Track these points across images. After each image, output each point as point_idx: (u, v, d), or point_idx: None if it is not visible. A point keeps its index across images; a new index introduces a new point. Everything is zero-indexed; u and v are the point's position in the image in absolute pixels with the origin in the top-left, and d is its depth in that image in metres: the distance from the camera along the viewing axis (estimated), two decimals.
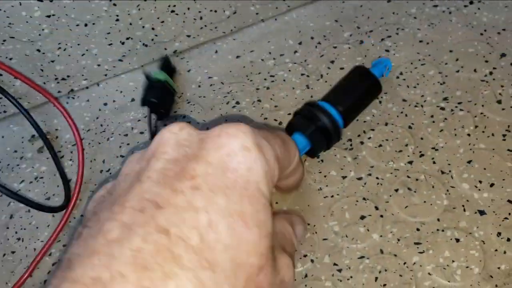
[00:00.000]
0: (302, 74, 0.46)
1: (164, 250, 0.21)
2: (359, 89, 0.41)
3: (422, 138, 0.40)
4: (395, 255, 0.34)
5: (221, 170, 0.24)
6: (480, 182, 0.37)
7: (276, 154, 0.27)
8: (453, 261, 0.33)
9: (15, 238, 0.40)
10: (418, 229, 0.35)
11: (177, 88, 0.47)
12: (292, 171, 0.31)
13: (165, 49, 0.49)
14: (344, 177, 0.39)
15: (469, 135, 0.39)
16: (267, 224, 0.24)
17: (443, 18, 0.47)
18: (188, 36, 0.49)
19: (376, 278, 0.34)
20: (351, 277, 0.34)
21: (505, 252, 0.33)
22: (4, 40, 0.43)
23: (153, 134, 0.43)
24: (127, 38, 0.47)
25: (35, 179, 0.44)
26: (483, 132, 0.39)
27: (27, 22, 0.42)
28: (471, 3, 0.47)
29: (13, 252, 0.40)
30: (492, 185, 0.36)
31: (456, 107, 0.41)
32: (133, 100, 0.47)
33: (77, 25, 0.44)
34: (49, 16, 0.43)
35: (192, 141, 0.26)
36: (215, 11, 0.48)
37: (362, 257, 0.35)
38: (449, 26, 0.46)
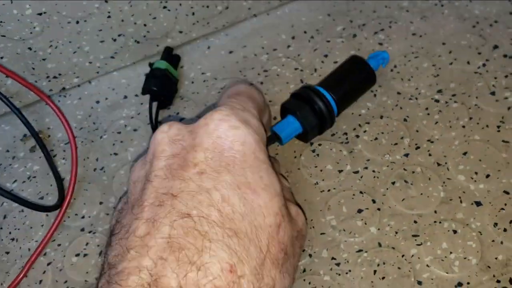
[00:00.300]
0: (296, 69, 0.45)
1: (192, 231, 0.23)
2: (355, 78, 0.41)
3: (417, 131, 0.40)
4: (393, 248, 0.34)
5: (218, 152, 0.27)
6: (476, 173, 0.37)
7: (255, 116, 0.30)
8: (450, 252, 0.33)
9: (9, 239, 0.40)
10: (415, 222, 0.35)
11: (179, 76, 0.47)
12: (262, 113, 0.33)
13: (157, 45, 0.49)
14: (340, 171, 0.38)
15: (464, 127, 0.39)
16: (274, 185, 0.27)
17: (435, 11, 0.47)
18: (180, 32, 0.48)
19: (375, 271, 0.34)
20: (350, 270, 0.34)
21: (502, 243, 0.33)
22: None
23: (155, 121, 0.43)
24: (119, 35, 0.46)
25: (28, 179, 0.44)
26: (478, 123, 0.39)
27: (18, 20, 0.42)
28: None
29: (7, 253, 0.39)
30: (487, 176, 0.36)
31: (451, 99, 0.41)
32: (125, 97, 0.47)
33: (69, 22, 0.44)
34: (40, 14, 0.42)
35: (183, 134, 0.28)
36: (207, 7, 0.48)
37: (360, 250, 0.35)
38: (441, 18, 0.46)
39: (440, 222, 0.35)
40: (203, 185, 0.25)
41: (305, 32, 0.48)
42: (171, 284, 0.22)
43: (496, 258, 0.33)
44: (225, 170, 0.26)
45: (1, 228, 0.41)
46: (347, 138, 0.40)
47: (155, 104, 0.44)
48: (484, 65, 0.42)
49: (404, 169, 0.38)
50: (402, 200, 0.36)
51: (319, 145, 0.40)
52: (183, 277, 0.22)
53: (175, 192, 0.25)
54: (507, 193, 0.36)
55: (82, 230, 0.39)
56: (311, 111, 0.38)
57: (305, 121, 0.38)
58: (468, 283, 0.32)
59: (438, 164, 0.38)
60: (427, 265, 0.33)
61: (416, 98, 0.42)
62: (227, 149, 0.27)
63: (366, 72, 0.41)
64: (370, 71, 0.41)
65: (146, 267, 0.22)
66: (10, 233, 0.40)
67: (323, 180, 0.38)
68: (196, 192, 0.25)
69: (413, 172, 0.37)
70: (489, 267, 0.33)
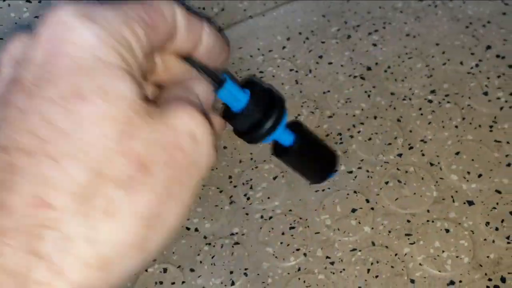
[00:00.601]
0: (291, 70, 0.46)
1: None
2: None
3: (410, 131, 0.40)
4: (387, 247, 0.35)
5: (47, 63, 0.22)
6: (468, 173, 0.37)
7: (125, 17, 0.23)
8: (443, 251, 0.34)
9: None
10: (408, 221, 0.36)
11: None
12: (188, 32, 0.25)
13: None
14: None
15: (456, 127, 0.40)
16: (120, 87, 0.21)
17: (429, 12, 0.47)
18: None
19: (369, 270, 0.34)
20: (344, 269, 0.34)
21: (493, 241, 0.34)
22: None
23: None
24: None
25: None
26: (470, 123, 0.40)
27: (15, 23, 0.42)
28: None
29: None
30: (480, 175, 0.37)
31: (444, 99, 0.42)
32: None
33: None
34: (37, 17, 0.43)
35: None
36: (203, 8, 0.48)
37: (354, 249, 0.35)
38: (435, 19, 0.47)
39: (432, 221, 0.35)
40: (21, 108, 0.21)
41: (300, 33, 0.48)
42: None
43: (488, 257, 0.33)
44: (49, 82, 0.21)
45: None
46: (341, 139, 0.41)
47: None
48: (477, 65, 0.43)
49: (398, 169, 0.38)
50: (396, 199, 0.37)
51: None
52: None
53: None
54: (499, 192, 0.36)
55: None
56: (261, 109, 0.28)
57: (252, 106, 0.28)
58: (460, 281, 0.33)
59: (431, 164, 0.38)
60: (420, 264, 0.34)
61: (410, 99, 0.42)
62: (61, 56, 0.22)
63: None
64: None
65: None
66: None
67: None
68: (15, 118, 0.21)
69: (406, 172, 0.38)
70: (481, 265, 0.33)
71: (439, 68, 0.43)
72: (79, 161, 0.21)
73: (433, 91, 0.42)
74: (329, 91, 0.44)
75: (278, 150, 0.32)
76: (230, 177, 0.40)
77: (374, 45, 0.46)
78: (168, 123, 0.23)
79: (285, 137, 0.30)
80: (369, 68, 0.44)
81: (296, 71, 0.46)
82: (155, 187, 0.22)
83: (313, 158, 0.33)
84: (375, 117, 0.41)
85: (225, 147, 0.42)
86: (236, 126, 0.29)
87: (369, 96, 0.43)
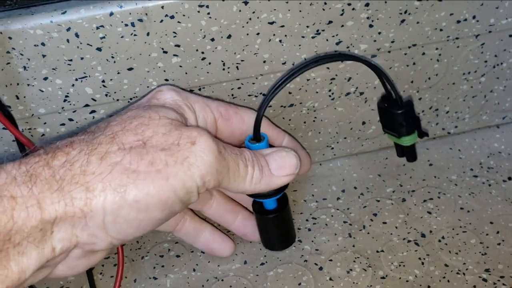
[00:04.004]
0: (345, 222, 0.46)
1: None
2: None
3: None
4: None
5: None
6: None
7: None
8: None
9: None
10: None
11: None
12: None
13: None
14: None
15: None
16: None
17: (483, 189, 0.49)
18: None
19: None
20: None
21: None
22: None
23: None
24: None
25: None
26: None
27: None
28: (509, 178, 0.49)
29: None
30: None
31: (499, 280, 0.41)
32: None
33: None
34: None
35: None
36: None
37: None
38: (489, 197, 0.48)
39: None
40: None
41: (355, 187, 0.50)
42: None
43: None
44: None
45: None
46: None
47: None
48: None
49: None
50: None
51: None
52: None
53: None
54: None
55: None
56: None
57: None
58: None
59: None
60: None
61: (464, 274, 0.42)
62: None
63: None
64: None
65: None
66: None
67: None
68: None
69: None
70: None
71: (493, 247, 0.44)
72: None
73: (487, 270, 0.42)
74: (382, 251, 0.44)
75: (258, 207, 0.42)
76: None
77: (429, 212, 0.47)
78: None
79: (271, 203, 0.42)
80: (423, 235, 0.45)
81: (350, 224, 0.46)
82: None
83: (284, 227, 0.43)
84: (428, 287, 0.41)
85: None
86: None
87: (423, 263, 0.42)
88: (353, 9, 0.41)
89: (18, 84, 0.40)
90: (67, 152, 0.31)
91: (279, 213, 0.42)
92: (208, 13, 0.39)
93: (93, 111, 0.43)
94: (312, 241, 0.45)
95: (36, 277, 0.31)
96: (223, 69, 0.43)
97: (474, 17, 0.45)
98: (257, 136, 0.39)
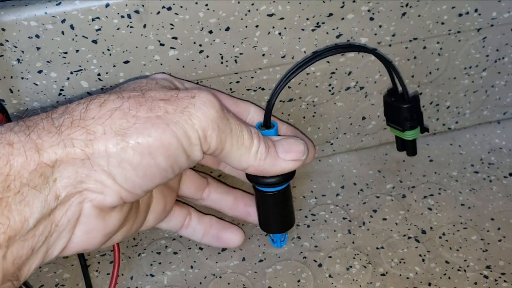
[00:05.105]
0: (344, 218, 0.46)
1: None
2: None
3: None
4: None
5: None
6: None
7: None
8: None
9: None
10: None
11: None
12: None
13: None
14: None
15: None
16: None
17: (484, 186, 0.48)
18: None
19: None
20: None
21: None
22: None
23: None
24: None
25: (56, 286, 0.42)
26: None
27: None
28: (510, 174, 0.49)
29: None
30: None
31: (500, 277, 0.41)
32: None
33: None
34: None
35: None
36: None
37: None
38: (490, 194, 0.47)
39: None
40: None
41: (354, 184, 0.49)
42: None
43: None
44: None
45: None
46: None
47: None
48: None
49: None
50: None
51: None
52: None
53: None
54: None
55: None
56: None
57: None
58: None
59: None
60: None
61: (465, 271, 0.41)
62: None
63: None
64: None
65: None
66: None
67: None
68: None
69: None
70: None
71: (494, 244, 0.43)
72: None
73: (488, 267, 0.41)
74: (382, 248, 0.43)
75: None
76: None
77: (429, 209, 0.46)
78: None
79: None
80: (423, 232, 0.44)
81: (350, 221, 0.45)
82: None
83: (284, 208, 0.42)
84: (429, 284, 0.40)
85: None
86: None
87: (423, 260, 0.42)
88: (354, 1, 0.41)
89: (11, 77, 0.39)
90: (65, 106, 0.32)
91: (281, 190, 0.41)
92: (206, 5, 0.38)
93: None
94: (311, 238, 0.44)
95: (51, 242, 0.30)
96: (221, 63, 0.42)
97: (476, 10, 0.44)
98: (267, 122, 0.38)
